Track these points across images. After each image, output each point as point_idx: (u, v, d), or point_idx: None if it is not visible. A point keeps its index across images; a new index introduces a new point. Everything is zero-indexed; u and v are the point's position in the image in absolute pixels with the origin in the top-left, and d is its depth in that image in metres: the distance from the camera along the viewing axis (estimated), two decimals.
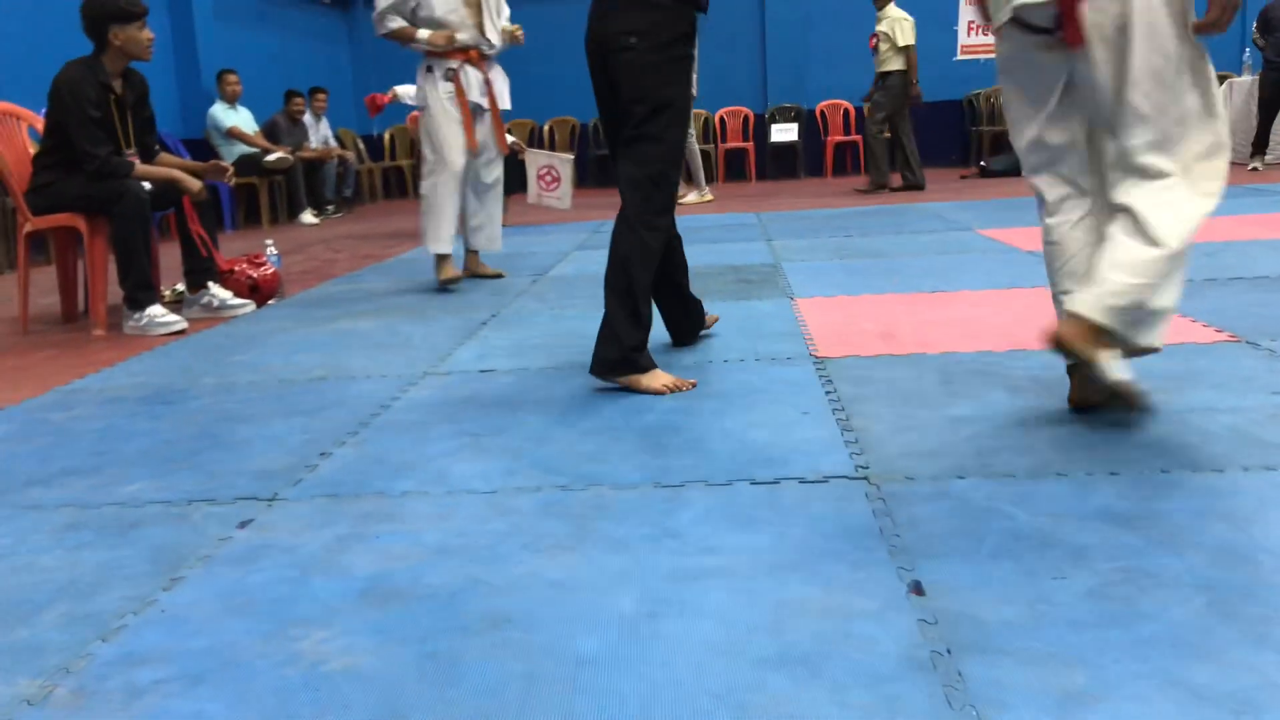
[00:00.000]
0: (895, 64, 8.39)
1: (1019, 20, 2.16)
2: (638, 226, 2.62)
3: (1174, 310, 2.11)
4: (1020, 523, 1.67)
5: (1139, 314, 2.04)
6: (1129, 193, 2.08)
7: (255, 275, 4.40)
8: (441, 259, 4.51)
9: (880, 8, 8.44)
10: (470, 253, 4.84)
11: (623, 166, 2.67)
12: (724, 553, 1.62)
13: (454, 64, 4.42)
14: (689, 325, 3.11)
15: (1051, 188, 2.27)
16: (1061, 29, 2.10)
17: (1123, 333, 2.04)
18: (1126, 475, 1.85)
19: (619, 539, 1.69)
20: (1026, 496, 1.78)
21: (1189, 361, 2.60)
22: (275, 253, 4.68)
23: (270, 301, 4.45)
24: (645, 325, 2.65)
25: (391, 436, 2.35)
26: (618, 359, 2.63)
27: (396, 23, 4.33)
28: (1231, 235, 4.70)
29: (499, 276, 4.82)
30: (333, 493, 2.00)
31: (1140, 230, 2.04)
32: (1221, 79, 8.86)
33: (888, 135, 8.65)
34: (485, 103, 4.56)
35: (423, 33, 4.35)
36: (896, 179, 8.85)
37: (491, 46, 4.54)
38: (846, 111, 11.27)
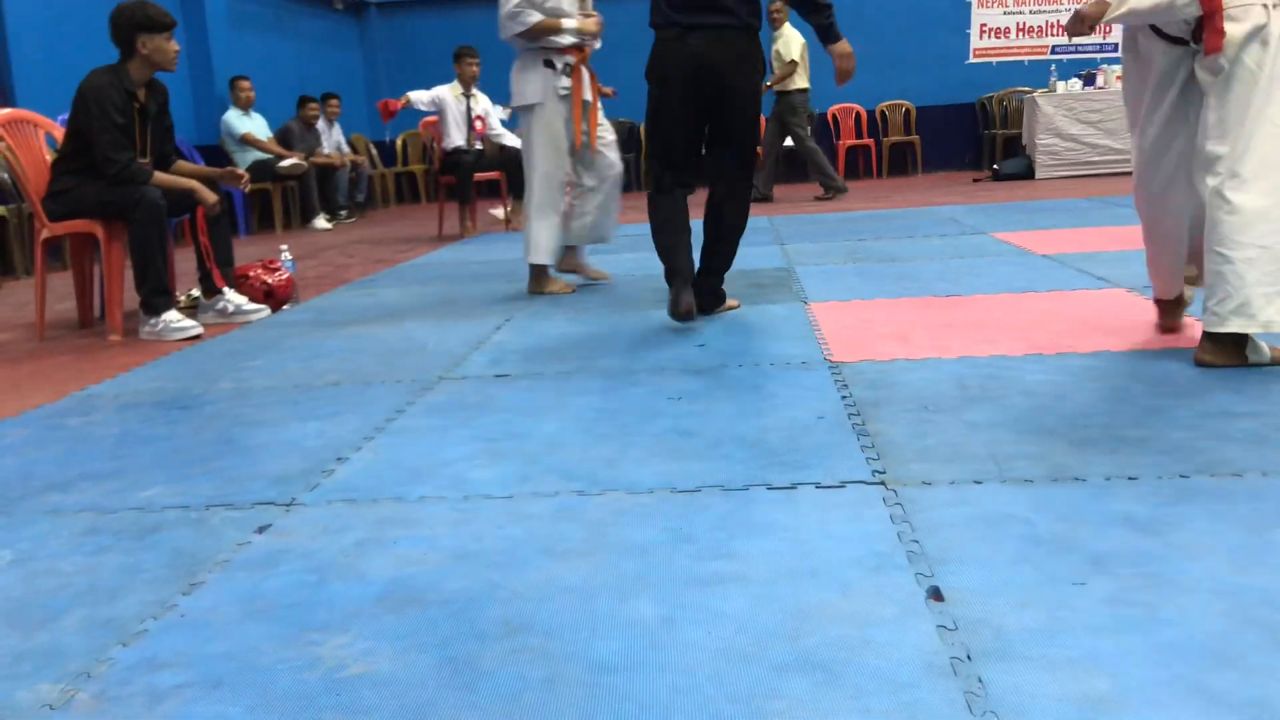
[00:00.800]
0: (797, 83, 8.52)
1: (1155, 29, 2.53)
2: (748, 181, 3.67)
3: None
4: (1039, 528, 1.66)
5: None
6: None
7: (270, 281, 4.42)
8: (543, 270, 4.44)
9: (776, 28, 8.54)
10: (574, 249, 4.64)
11: (727, 158, 3.58)
12: (741, 558, 1.62)
13: (571, 59, 4.22)
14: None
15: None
16: (1199, 39, 2.45)
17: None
18: (1145, 480, 1.84)
19: (636, 544, 1.69)
20: (1044, 502, 1.77)
21: (1204, 367, 2.59)
22: (290, 258, 4.70)
23: (285, 307, 4.47)
24: None
25: (407, 441, 2.36)
26: (723, 294, 3.73)
27: (535, 16, 4.09)
28: None
29: (604, 279, 4.67)
30: (350, 497, 2.00)
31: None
32: None
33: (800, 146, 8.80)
34: (590, 97, 4.33)
35: (569, 22, 4.13)
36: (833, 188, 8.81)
37: (598, 42, 4.39)
38: (859, 115, 11.26)
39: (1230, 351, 2.54)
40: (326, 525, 1.86)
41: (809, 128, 8.81)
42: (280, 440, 2.42)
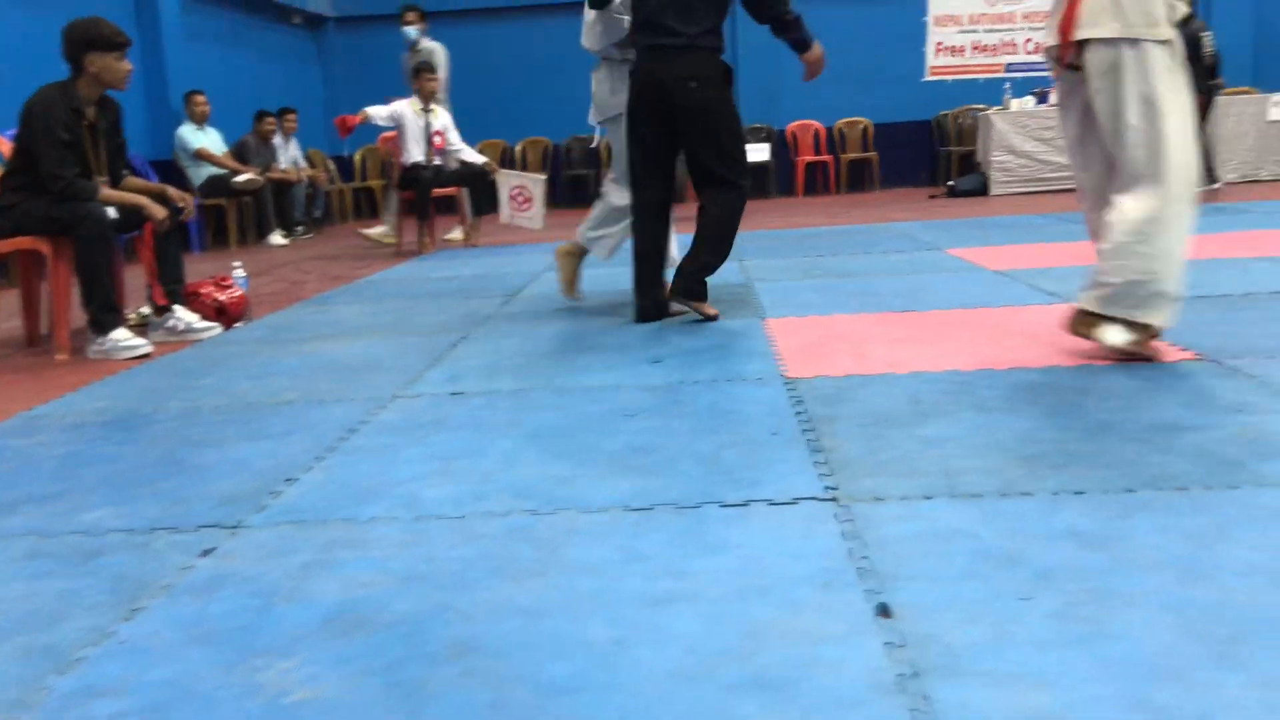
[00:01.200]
0: None
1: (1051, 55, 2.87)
2: (731, 184, 3.74)
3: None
4: (987, 543, 1.67)
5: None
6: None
7: (222, 298, 4.37)
8: (578, 251, 4.36)
9: None
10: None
11: (698, 171, 3.77)
12: (693, 576, 1.61)
13: None
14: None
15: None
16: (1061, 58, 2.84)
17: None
18: (1092, 494, 1.86)
19: (588, 564, 1.68)
20: (993, 516, 1.78)
21: (1153, 380, 2.63)
22: (243, 275, 4.65)
23: (237, 324, 4.41)
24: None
25: (359, 461, 2.33)
26: (702, 289, 3.76)
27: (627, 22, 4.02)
28: (1195, 254, 4.76)
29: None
30: (298, 519, 1.97)
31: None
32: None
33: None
34: None
35: None
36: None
37: None
38: (817, 132, 11.37)
39: (1087, 325, 2.83)
40: (273, 548, 1.83)
41: None
42: (228, 461, 2.38)
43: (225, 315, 4.35)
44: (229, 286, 4.45)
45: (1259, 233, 5.56)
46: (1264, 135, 9.06)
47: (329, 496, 2.09)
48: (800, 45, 3.77)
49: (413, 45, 8.01)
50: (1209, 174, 8.67)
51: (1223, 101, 9.07)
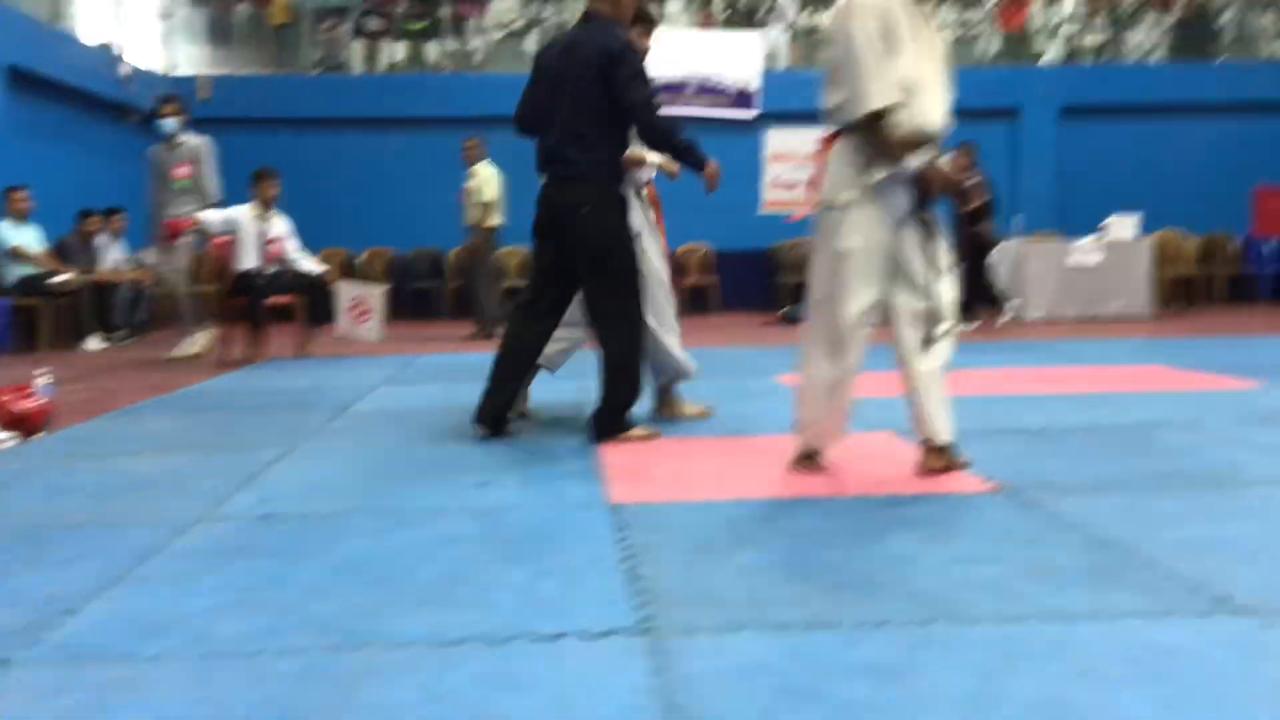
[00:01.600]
0: (489, 221, 8.58)
1: None
2: (624, 316, 3.79)
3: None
4: (790, 678, 1.69)
5: None
6: None
7: (21, 406, 4.08)
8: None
9: (470, 164, 8.62)
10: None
11: (591, 293, 3.83)
12: (495, 719, 1.56)
13: (645, 191, 4.30)
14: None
15: None
16: None
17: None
18: (892, 625, 1.92)
19: (384, 707, 1.61)
20: (798, 650, 1.81)
21: (954, 512, 2.76)
22: (48, 382, 4.37)
23: (37, 436, 4.12)
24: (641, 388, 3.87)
25: (152, 591, 2.18)
26: (620, 423, 3.79)
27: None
28: (998, 389, 5.08)
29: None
30: (74, 655, 1.82)
31: None
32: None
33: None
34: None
35: (653, 157, 4.12)
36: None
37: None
38: (706, 254, 11.72)
39: None
40: (41, 689, 1.68)
41: (487, 265, 8.85)
42: (3, 590, 2.19)
43: (23, 425, 4.06)
44: (30, 395, 4.17)
45: (1059, 369, 5.98)
46: (1065, 278, 9.81)
47: (111, 631, 1.94)
48: (697, 166, 3.89)
49: (170, 138, 7.59)
50: (996, 302, 9.30)
51: (1026, 247, 9.86)
